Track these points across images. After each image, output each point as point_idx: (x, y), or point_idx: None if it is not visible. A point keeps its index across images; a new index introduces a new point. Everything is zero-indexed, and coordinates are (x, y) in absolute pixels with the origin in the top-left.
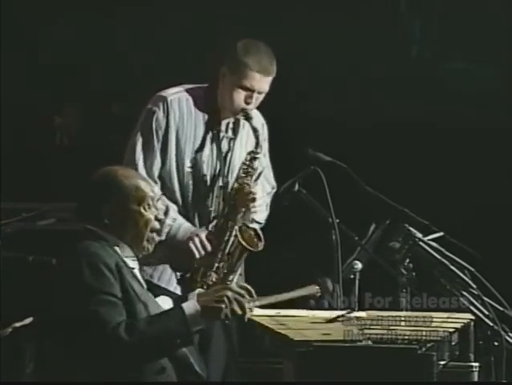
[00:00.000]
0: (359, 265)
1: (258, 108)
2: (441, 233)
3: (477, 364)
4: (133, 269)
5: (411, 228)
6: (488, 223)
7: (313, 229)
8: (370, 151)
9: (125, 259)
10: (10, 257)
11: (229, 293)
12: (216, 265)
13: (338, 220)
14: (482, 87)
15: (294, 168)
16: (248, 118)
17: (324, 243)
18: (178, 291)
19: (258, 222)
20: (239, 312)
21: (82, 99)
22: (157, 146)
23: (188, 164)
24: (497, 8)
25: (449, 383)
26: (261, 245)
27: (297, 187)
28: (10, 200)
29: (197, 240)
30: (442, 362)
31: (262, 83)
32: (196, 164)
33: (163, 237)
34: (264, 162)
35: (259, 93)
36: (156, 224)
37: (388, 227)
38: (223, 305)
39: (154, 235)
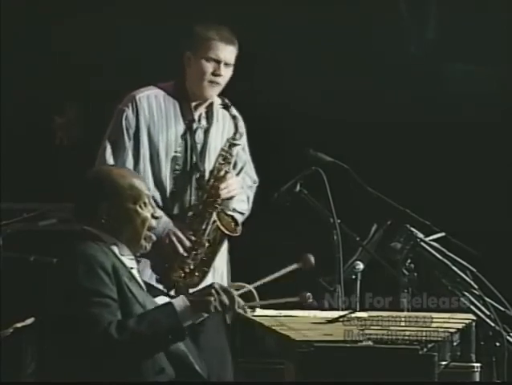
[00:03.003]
0: (360, 266)
1: (259, 107)
2: (443, 234)
3: (478, 364)
4: (131, 268)
5: (412, 229)
6: (489, 223)
7: (314, 230)
8: (371, 151)
9: (123, 258)
10: (11, 258)
11: (217, 286)
12: (193, 252)
13: (339, 221)
14: (483, 88)
15: (296, 168)
16: (226, 106)
17: (326, 243)
18: (160, 286)
19: (239, 212)
20: (227, 302)
21: (82, 99)
22: (129, 145)
23: (163, 158)
24: (497, 8)
25: (450, 384)
26: (239, 230)
27: (298, 187)
28: (11, 200)
29: (174, 237)
30: (444, 363)
31: (226, 52)
32: (171, 158)
33: None
34: (244, 157)
35: (226, 65)
36: (153, 223)
37: (389, 227)
38: (211, 298)
39: (151, 233)
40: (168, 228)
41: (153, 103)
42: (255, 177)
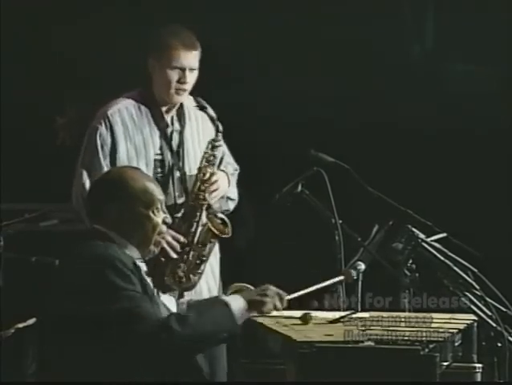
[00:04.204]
0: (362, 266)
1: (260, 108)
2: (444, 234)
3: (480, 365)
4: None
5: (414, 229)
6: (491, 224)
7: (316, 230)
8: (372, 151)
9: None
10: (12, 258)
11: (273, 288)
12: (185, 256)
13: (341, 221)
14: (483, 87)
15: (297, 169)
16: (203, 107)
17: (327, 244)
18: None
19: (232, 199)
20: (280, 306)
21: (82, 99)
22: (104, 163)
23: (142, 168)
24: (497, 8)
25: (451, 384)
26: (229, 231)
27: (300, 188)
28: (12, 200)
29: (164, 242)
30: (445, 363)
31: (190, 58)
32: (150, 167)
33: None
34: (221, 148)
35: (190, 70)
36: (164, 228)
37: (390, 228)
38: (268, 299)
39: (160, 238)
40: None
41: (125, 116)
42: (236, 165)
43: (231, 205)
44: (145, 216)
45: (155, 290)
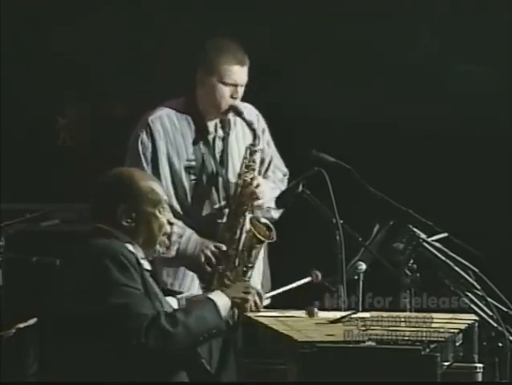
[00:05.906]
0: (363, 266)
1: (260, 108)
2: (445, 234)
3: (481, 365)
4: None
5: (415, 229)
6: (492, 223)
7: (317, 230)
8: (374, 152)
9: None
10: (13, 258)
11: (252, 286)
12: (232, 264)
13: (342, 221)
14: (483, 87)
15: (298, 168)
16: (238, 113)
17: (328, 244)
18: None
19: (276, 209)
20: (259, 304)
21: (82, 99)
22: (148, 169)
23: (183, 176)
24: (497, 8)
25: (452, 384)
26: (273, 235)
27: (301, 188)
28: (13, 200)
29: (208, 252)
30: (446, 363)
31: (242, 74)
32: (192, 173)
33: (173, 254)
34: (270, 152)
35: (241, 86)
36: (168, 228)
37: (391, 228)
38: (250, 296)
39: (165, 238)
40: (200, 243)
41: (167, 123)
42: (285, 169)
43: (275, 214)
44: (152, 214)
45: (158, 289)
